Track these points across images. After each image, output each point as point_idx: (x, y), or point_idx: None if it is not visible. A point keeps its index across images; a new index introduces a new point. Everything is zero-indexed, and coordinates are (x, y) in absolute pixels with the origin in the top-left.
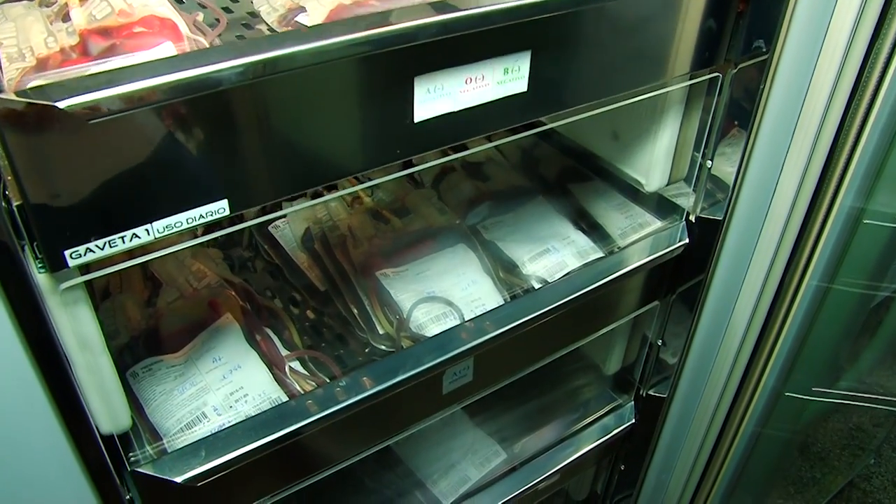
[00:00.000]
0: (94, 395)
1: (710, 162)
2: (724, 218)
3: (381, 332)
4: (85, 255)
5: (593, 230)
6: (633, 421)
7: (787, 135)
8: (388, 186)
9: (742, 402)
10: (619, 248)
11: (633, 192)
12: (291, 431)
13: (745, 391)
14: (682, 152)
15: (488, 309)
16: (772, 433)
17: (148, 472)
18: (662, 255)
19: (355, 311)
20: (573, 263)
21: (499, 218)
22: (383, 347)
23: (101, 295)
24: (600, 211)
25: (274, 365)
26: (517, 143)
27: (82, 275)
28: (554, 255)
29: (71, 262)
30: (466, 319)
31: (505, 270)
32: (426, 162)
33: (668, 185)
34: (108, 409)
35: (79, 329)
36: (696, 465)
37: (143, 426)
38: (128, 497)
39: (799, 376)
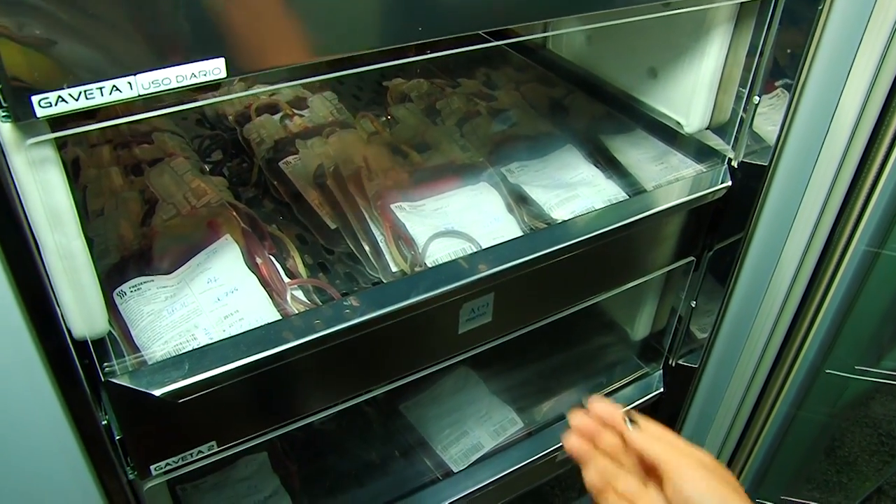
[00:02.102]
0: (65, 289)
1: (756, 98)
2: (770, 164)
3: (394, 269)
4: (56, 104)
5: (625, 179)
6: (661, 391)
7: (841, 76)
8: (409, 121)
9: (778, 379)
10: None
11: (670, 139)
12: (289, 349)
13: (781, 366)
14: (727, 88)
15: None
16: (807, 415)
17: (123, 384)
18: (701, 196)
19: (367, 247)
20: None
21: (525, 162)
22: None
23: (97, 214)
24: (633, 160)
25: (274, 291)
26: (547, 93)
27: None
28: (583, 201)
29: (40, 112)
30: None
31: (530, 213)
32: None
33: (709, 127)
34: (81, 308)
35: (49, 199)
36: (726, 443)
37: (126, 348)
38: (104, 421)
39: (841, 352)
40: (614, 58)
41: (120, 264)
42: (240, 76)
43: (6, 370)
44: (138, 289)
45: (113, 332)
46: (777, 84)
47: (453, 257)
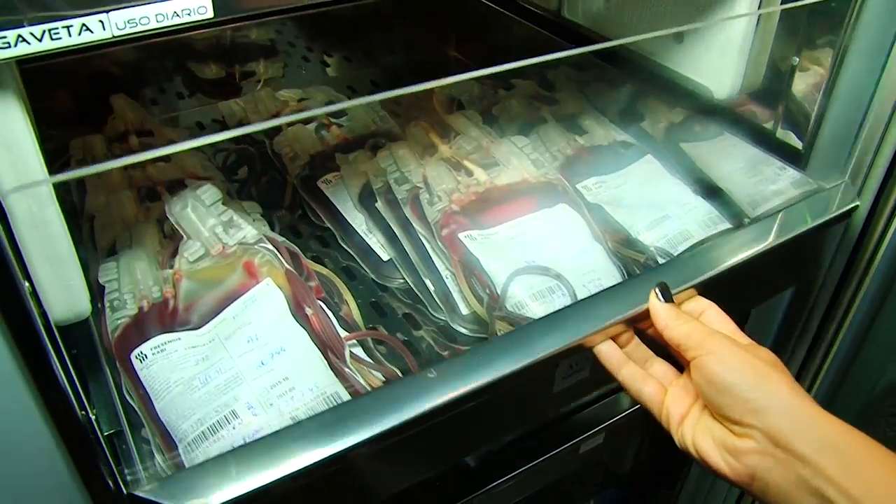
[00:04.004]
0: (41, 264)
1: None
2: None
3: (464, 311)
4: (16, 45)
5: (716, 194)
6: None
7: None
8: (469, 132)
9: None
10: (748, 218)
11: (761, 144)
12: (363, 441)
13: None
14: (760, 49)
15: (606, 286)
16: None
17: (151, 499)
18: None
19: (429, 284)
20: (698, 233)
21: (603, 178)
22: (465, 331)
23: (107, 251)
24: (723, 172)
25: (329, 349)
26: (615, 96)
27: None
28: (674, 223)
29: None
30: (581, 298)
31: (616, 239)
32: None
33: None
34: (61, 286)
35: (18, 162)
36: None
37: (151, 428)
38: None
39: None
40: (635, 21)
41: (139, 318)
42: (228, 16)
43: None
44: (162, 350)
45: (132, 403)
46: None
47: (538, 299)
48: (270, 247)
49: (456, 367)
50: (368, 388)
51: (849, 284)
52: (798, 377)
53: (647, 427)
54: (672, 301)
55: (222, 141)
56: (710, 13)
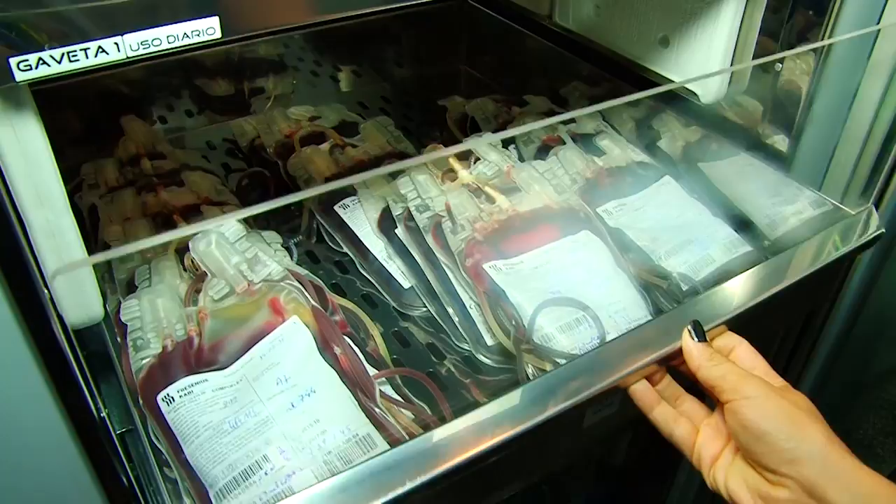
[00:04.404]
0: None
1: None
2: None
3: (489, 342)
4: (37, 67)
5: (736, 216)
6: None
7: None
8: (489, 155)
9: None
10: (768, 240)
11: (778, 163)
12: (408, 492)
13: None
14: (743, 53)
15: (633, 318)
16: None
17: None
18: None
19: (453, 313)
20: (719, 258)
21: (623, 200)
22: (490, 362)
23: (125, 285)
24: (743, 193)
25: (359, 388)
26: (631, 114)
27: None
28: (696, 248)
29: (19, 76)
30: (618, 334)
31: (638, 265)
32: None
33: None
34: (75, 292)
35: (35, 174)
36: None
37: (181, 472)
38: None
39: None
40: (624, 27)
41: (163, 357)
42: (235, 36)
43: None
44: (190, 392)
45: (159, 447)
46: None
47: (565, 331)
48: (296, 283)
49: (491, 413)
50: (399, 428)
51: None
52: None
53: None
54: (705, 340)
55: (232, 160)
56: (696, 20)
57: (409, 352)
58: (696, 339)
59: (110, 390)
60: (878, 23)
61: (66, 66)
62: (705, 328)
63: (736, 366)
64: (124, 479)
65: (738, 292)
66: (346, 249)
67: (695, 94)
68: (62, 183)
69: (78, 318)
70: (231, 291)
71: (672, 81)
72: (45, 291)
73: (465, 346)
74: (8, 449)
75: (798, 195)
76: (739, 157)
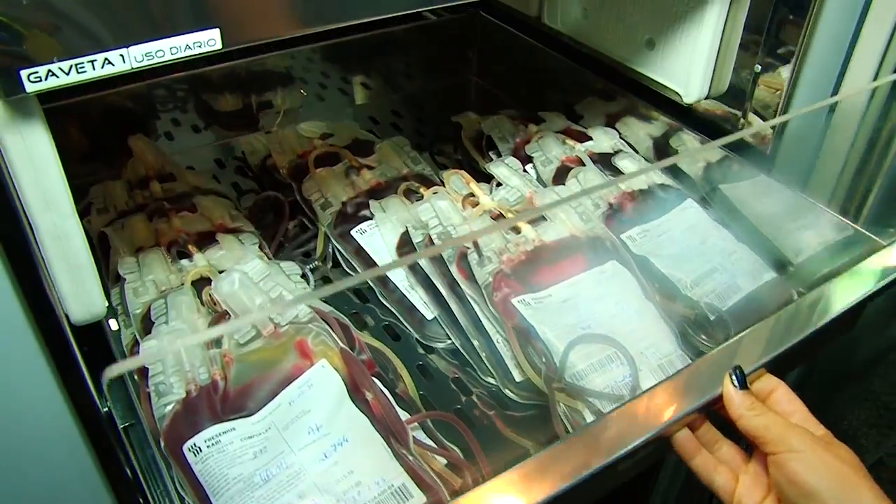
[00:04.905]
0: (62, 272)
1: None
2: None
3: (517, 378)
4: (46, 79)
5: (756, 241)
6: None
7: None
8: (510, 181)
9: None
10: (792, 265)
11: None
12: None
13: None
14: (726, 56)
15: (664, 353)
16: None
17: None
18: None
19: (479, 347)
20: (745, 286)
21: (645, 227)
22: (518, 398)
23: (142, 320)
24: (766, 215)
25: (392, 435)
26: (647, 130)
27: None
28: (722, 276)
29: (29, 87)
30: (649, 371)
31: (665, 294)
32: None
33: (708, 96)
34: (79, 291)
35: (42, 179)
36: None
37: None
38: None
39: None
40: (611, 30)
41: (187, 403)
42: (236, 46)
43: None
44: (217, 442)
45: (187, 498)
46: (780, 51)
47: (597, 369)
48: (323, 324)
49: (533, 469)
50: (433, 476)
51: None
52: None
53: None
54: (747, 387)
55: (241, 178)
56: (681, 22)
57: (434, 386)
58: (737, 385)
59: (113, 386)
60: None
61: (73, 78)
62: (746, 371)
63: (778, 416)
64: (129, 472)
65: (780, 331)
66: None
67: (677, 93)
68: (69, 188)
69: (81, 316)
70: (257, 334)
71: (656, 82)
72: (53, 291)
73: (492, 381)
74: (17, 438)
75: (819, 219)
76: (759, 178)
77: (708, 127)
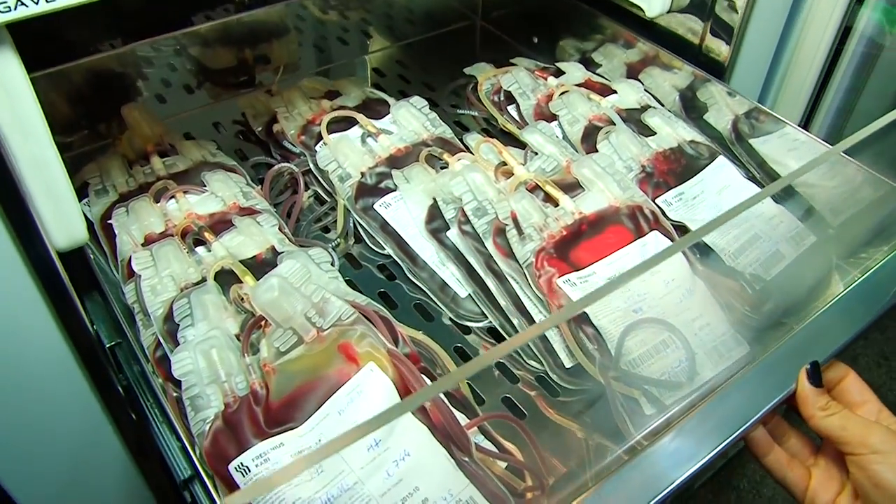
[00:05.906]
0: (43, 200)
1: None
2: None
3: (567, 363)
4: (15, 8)
5: (792, 201)
6: None
7: None
8: (544, 148)
9: None
10: (832, 228)
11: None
12: None
13: None
14: None
15: (719, 334)
16: None
17: None
18: None
19: (520, 326)
20: (789, 253)
21: (680, 189)
22: (567, 385)
23: (163, 321)
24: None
25: (453, 443)
26: (672, 81)
27: None
28: (765, 244)
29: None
30: (704, 353)
31: (708, 266)
32: None
33: (670, 10)
34: (60, 218)
35: (20, 112)
36: None
37: None
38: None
39: None
40: None
41: (227, 418)
42: None
43: None
44: (266, 460)
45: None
46: None
47: (653, 356)
48: (366, 322)
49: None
50: (496, 482)
51: None
52: None
53: None
54: (821, 384)
55: (246, 145)
56: None
57: (478, 374)
58: (811, 382)
59: (96, 308)
60: None
61: (43, 7)
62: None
63: (853, 414)
64: (120, 389)
65: (847, 318)
66: (389, 251)
67: (640, 7)
68: (44, 119)
69: (64, 243)
70: (299, 340)
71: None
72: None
73: (536, 365)
74: (13, 362)
75: (856, 175)
76: (787, 129)
77: (671, 42)
